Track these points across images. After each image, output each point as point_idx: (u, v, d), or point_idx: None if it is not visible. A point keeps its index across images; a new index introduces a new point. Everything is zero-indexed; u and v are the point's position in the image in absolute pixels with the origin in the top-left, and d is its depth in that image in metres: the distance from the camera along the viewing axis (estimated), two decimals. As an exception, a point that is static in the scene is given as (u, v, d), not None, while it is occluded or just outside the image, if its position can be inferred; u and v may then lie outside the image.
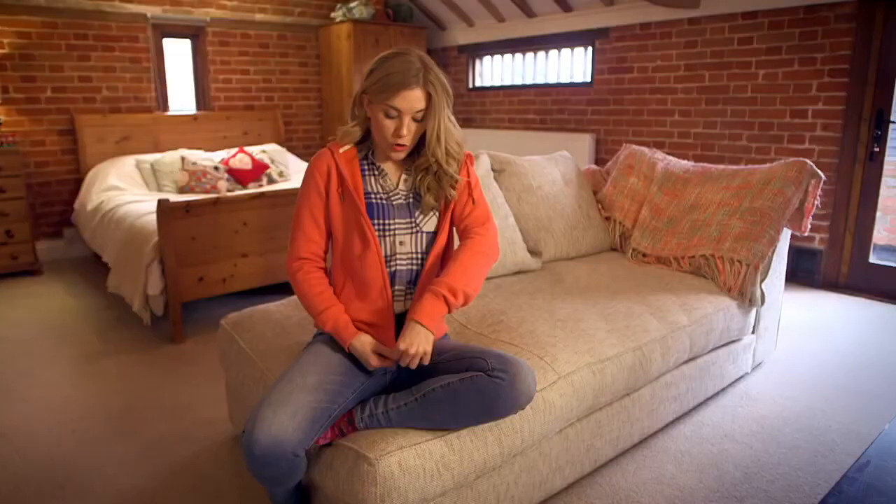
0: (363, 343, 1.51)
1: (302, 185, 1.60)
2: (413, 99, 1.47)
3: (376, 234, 1.54)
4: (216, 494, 1.87)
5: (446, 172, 1.56)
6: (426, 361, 1.47)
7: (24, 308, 3.53)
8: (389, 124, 1.50)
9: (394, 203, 1.59)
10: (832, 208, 3.76)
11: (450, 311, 1.51)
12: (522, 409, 1.51)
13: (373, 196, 1.58)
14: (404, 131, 1.49)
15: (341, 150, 1.58)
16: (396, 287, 1.59)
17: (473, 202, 1.63)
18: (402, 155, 1.56)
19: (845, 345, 2.96)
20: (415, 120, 1.51)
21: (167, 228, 2.90)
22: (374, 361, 1.50)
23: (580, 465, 1.86)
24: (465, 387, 1.42)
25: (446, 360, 1.51)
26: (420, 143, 1.57)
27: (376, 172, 1.60)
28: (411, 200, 1.60)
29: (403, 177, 1.61)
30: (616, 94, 4.78)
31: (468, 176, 1.62)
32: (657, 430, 2.17)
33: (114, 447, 2.12)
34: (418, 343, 1.44)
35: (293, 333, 1.91)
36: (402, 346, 1.43)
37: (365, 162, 1.61)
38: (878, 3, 3.46)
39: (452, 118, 1.56)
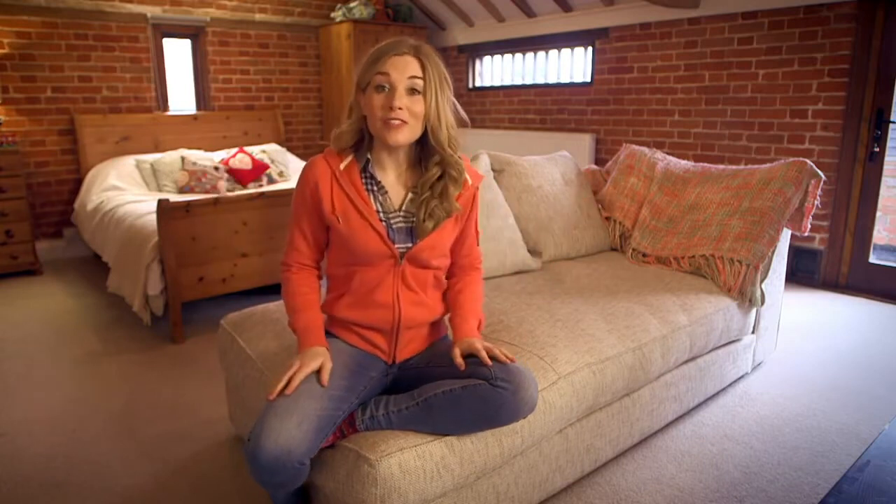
0: (319, 354, 1.44)
1: (294, 194, 1.54)
2: (404, 64, 1.37)
3: (399, 255, 1.47)
4: (216, 494, 1.87)
5: (452, 165, 1.45)
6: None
7: (24, 308, 3.52)
8: (380, 98, 1.38)
9: (393, 226, 1.48)
10: (832, 208, 3.76)
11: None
12: (525, 417, 1.49)
13: None
14: (396, 101, 1.36)
15: (342, 167, 1.47)
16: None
17: (476, 233, 1.64)
18: (399, 136, 1.40)
19: (845, 345, 2.96)
20: (410, 93, 1.39)
21: (167, 228, 2.90)
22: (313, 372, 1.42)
23: (580, 465, 1.86)
24: (468, 394, 1.40)
25: (447, 364, 1.48)
26: (427, 153, 1.48)
27: (375, 188, 1.48)
28: (412, 224, 1.49)
29: (410, 196, 1.50)
30: (616, 94, 4.78)
31: (473, 205, 1.59)
32: (657, 430, 2.17)
33: (114, 447, 2.12)
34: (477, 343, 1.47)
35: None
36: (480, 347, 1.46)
37: (364, 175, 1.48)
38: (878, 3, 3.46)
39: (457, 104, 1.48)
